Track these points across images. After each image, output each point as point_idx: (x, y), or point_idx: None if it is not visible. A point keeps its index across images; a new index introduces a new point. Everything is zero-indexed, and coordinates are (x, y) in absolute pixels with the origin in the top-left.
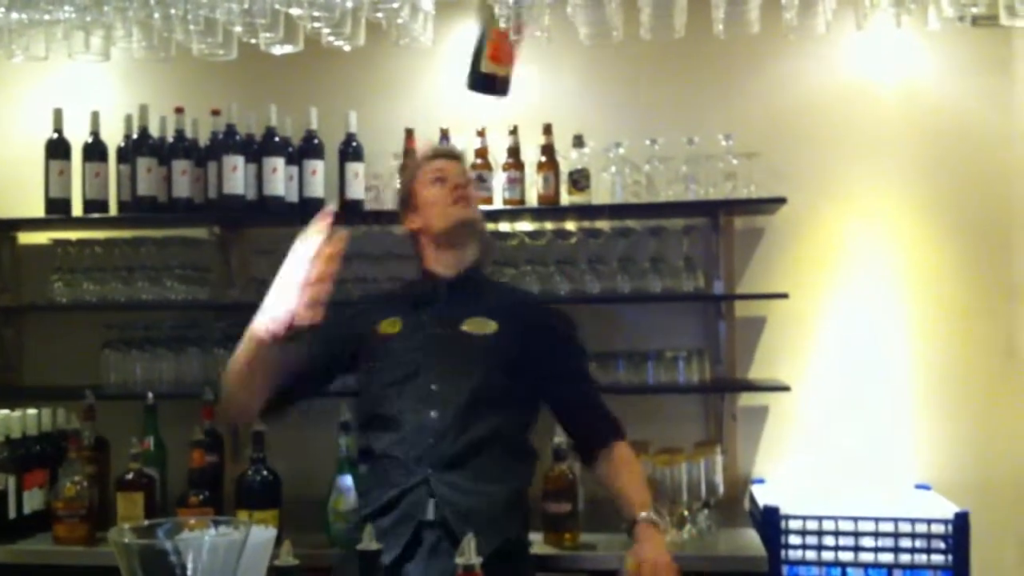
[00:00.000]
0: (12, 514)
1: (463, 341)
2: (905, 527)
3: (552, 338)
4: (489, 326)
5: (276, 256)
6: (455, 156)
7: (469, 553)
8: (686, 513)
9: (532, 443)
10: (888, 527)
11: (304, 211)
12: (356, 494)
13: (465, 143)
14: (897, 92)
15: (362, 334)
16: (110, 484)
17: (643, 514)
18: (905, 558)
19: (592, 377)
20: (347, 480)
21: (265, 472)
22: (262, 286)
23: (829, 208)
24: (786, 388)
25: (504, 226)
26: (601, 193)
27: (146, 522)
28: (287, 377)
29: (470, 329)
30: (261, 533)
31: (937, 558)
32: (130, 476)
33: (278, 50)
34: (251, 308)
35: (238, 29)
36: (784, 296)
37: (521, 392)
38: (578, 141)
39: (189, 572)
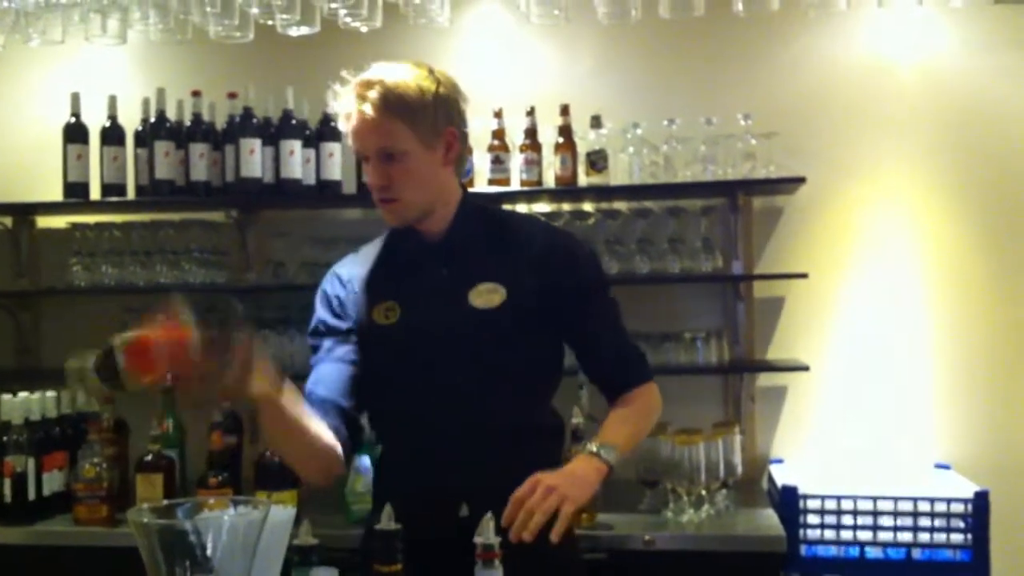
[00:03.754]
0: (32, 495)
1: (474, 319)
2: (924, 507)
3: (572, 290)
4: (497, 295)
5: (293, 239)
6: (376, 98)
7: (488, 533)
8: (704, 493)
9: (555, 409)
10: (907, 507)
11: (321, 193)
12: (374, 474)
13: (482, 124)
14: (918, 70)
15: (359, 322)
16: (129, 466)
17: (591, 446)
18: (924, 537)
19: (615, 315)
20: (365, 461)
21: None
22: (279, 268)
23: (849, 187)
24: (805, 368)
25: (522, 207)
26: (619, 174)
27: (165, 502)
28: (340, 409)
29: (478, 303)
30: (280, 513)
31: (957, 537)
32: (149, 458)
33: (295, 32)
34: (268, 291)
35: (255, 11)
36: (803, 276)
37: (542, 359)
38: (596, 122)
39: (209, 552)
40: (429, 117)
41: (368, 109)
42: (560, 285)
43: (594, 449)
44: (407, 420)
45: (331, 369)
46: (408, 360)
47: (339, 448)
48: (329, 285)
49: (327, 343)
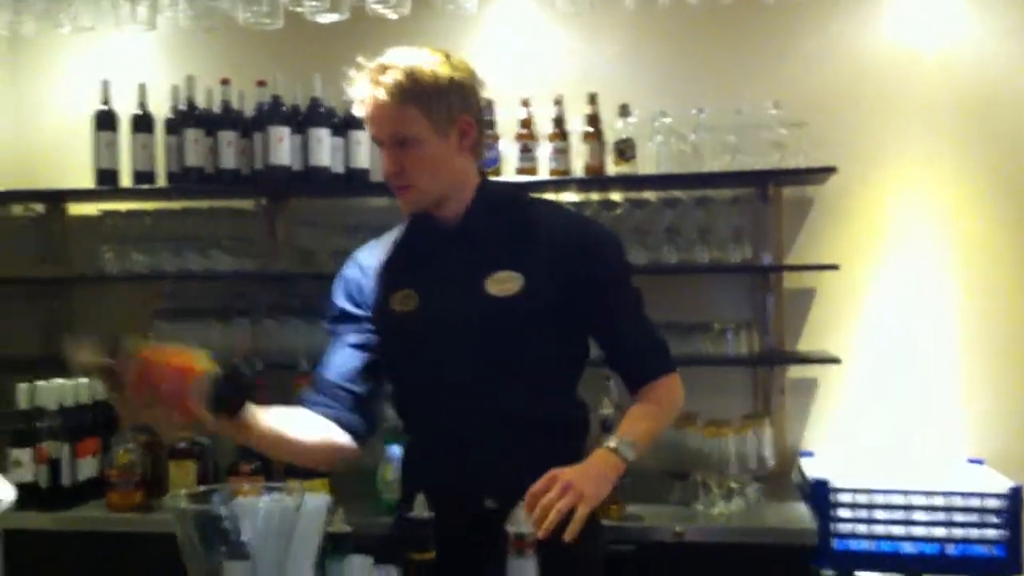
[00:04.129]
0: (66, 481)
1: (491, 308)
2: (957, 501)
3: (592, 280)
4: (514, 282)
5: (321, 227)
6: (390, 84)
7: (519, 522)
8: (734, 486)
9: (580, 399)
10: (940, 501)
11: (349, 181)
12: (401, 464)
13: (510, 113)
14: (944, 58)
15: (377, 310)
16: (162, 452)
17: (609, 442)
18: (958, 532)
19: (637, 306)
20: (396, 450)
21: None
22: (308, 256)
23: (880, 177)
24: (836, 360)
25: (549, 197)
26: (647, 163)
27: (202, 488)
28: (349, 393)
29: (495, 290)
30: (315, 500)
31: (990, 532)
32: (182, 445)
33: (324, 18)
34: (297, 278)
35: None
36: (834, 267)
37: (562, 350)
38: (624, 110)
39: (245, 537)
40: (443, 103)
41: (381, 94)
42: (580, 274)
43: (612, 445)
44: (427, 411)
45: (342, 354)
46: (425, 349)
47: (337, 437)
48: (348, 271)
49: (341, 328)
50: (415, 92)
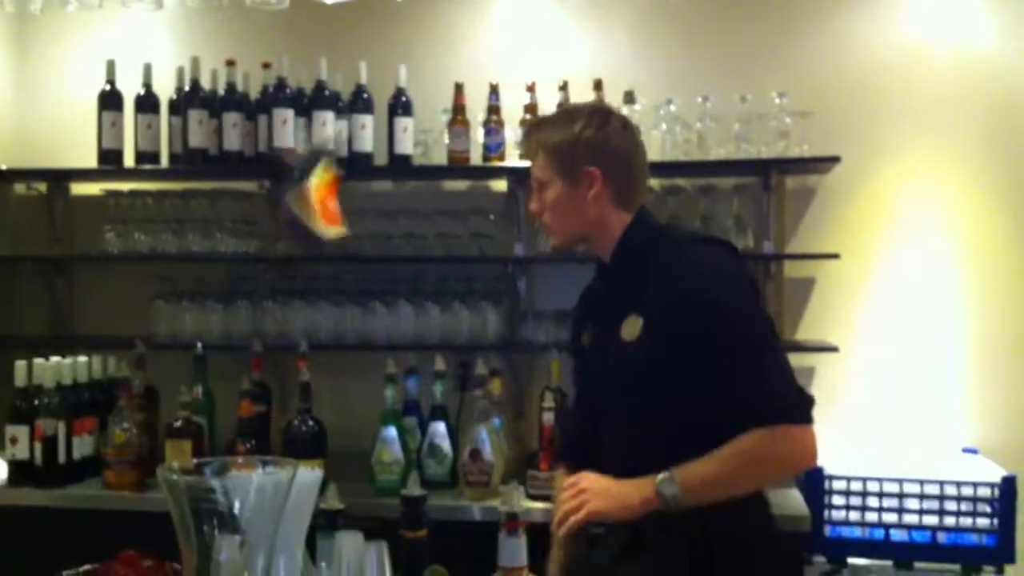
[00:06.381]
0: (62, 459)
1: (620, 353)
2: (951, 490)
3: (694, 337)
4: (636, 328)
5: None
6: (531, 134)
7: (511, 502)
8: None
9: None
10: (934, 490)
11: (353, 165)
12: (400, 445)
13: (515, 98)
14: (954, 52)
15: (578, 344)
16: (159, 432)
17: (661, 473)
18: (950, 521)
19: (754, 354)
20: (391, 432)
21: (311, 422)
22: (310, 238)
23: (883, 169)
24: (834, 349)
25: None
26: (651, 151)
27: (195, 461)
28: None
29: (624, 335)
30: (307, 475)
31: (983, 522)
32: (179, 424)
33: (331, 0)
34: (298, 261)
35: None
36: (835, 257)
37: (682, 399)
38: (629, 97)
39: (236, 511)
40: (568, 155)
41: (524, 145)
42: (684, 332)
43: (658, 478)
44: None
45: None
46: (590, 387)
47: None
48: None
49: (576, 362)
50: (542, 143)
